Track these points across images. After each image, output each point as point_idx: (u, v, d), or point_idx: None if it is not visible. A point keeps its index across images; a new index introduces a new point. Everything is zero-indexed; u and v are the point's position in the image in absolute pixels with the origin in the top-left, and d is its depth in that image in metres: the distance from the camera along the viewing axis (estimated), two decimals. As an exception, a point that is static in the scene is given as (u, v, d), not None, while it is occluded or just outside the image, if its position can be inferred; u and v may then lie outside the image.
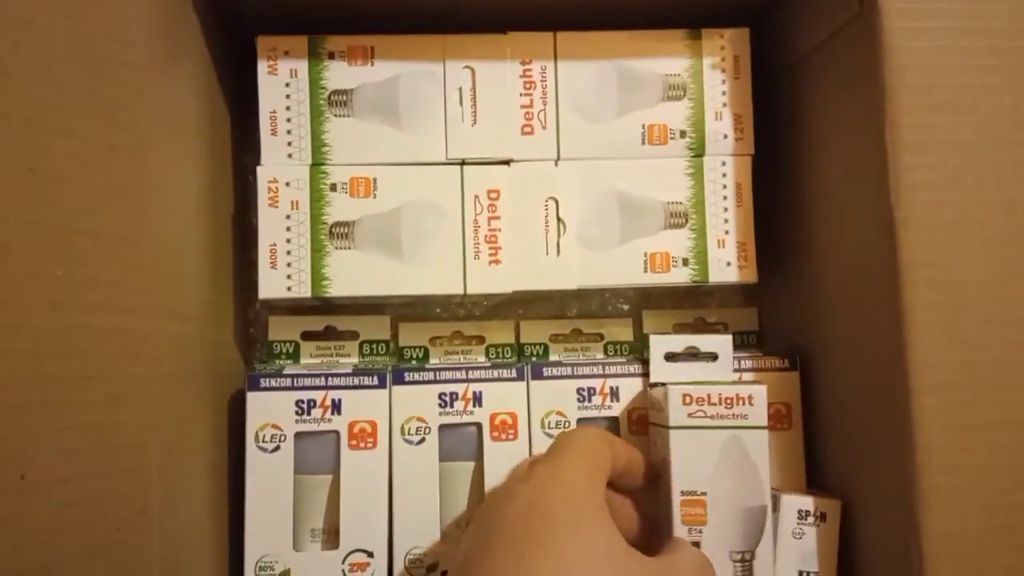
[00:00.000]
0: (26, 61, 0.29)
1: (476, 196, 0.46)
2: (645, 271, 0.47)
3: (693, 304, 0.55)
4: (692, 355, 0.46)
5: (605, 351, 0.54)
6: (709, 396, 0.42)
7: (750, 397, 0.42)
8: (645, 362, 0.47)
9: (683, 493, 0.42)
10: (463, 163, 0.46)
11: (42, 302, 0.29)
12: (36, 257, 0.28)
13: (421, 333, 0.52)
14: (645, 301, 0.55)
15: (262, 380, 0.45)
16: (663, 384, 0.43)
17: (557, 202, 0.47)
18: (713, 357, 0.46)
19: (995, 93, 0.38)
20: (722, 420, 0.42)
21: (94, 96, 0.32)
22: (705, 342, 0.46)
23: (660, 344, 0.46)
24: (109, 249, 0.32)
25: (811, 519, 0.43)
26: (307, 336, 0.51)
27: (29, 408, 0.28)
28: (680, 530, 0.41)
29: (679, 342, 0.46)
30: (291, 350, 0.51)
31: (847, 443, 0.44)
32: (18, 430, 0.27)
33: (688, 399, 0.42)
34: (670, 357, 0.46)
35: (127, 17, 0.34)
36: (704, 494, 0.41)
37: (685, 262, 0.47)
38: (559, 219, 0.47)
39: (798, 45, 0.48)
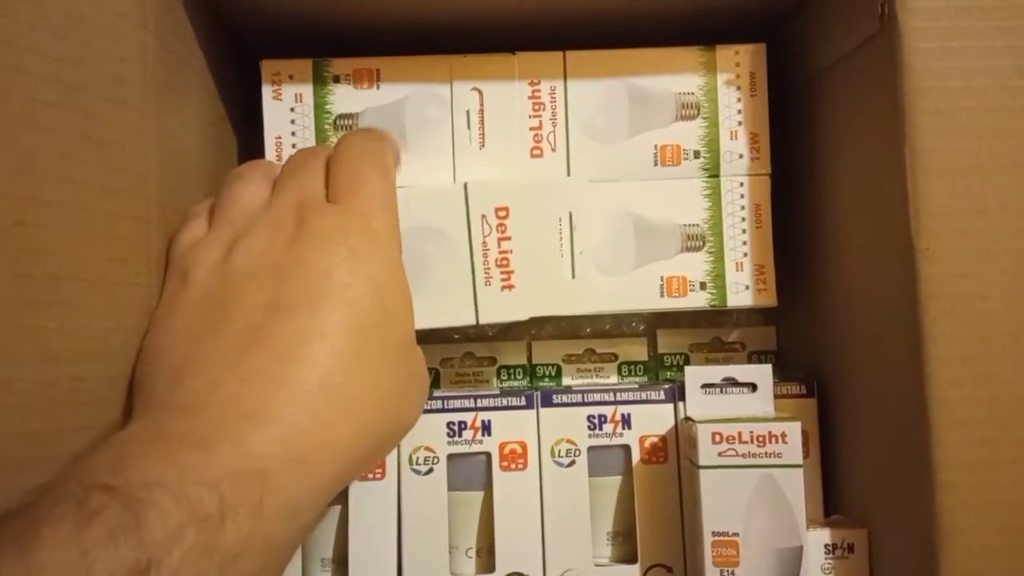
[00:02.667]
0: (13, 109, 0.28)
1: (483, 216, 0.44)
2: (662, 295, 0.46)
3: (710, 323, 0.54)
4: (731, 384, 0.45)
5: (619, 371, 0.53)
6: (740, 434, 0.41)
7: (783, 435, 0.41)
8: (658, 387, 0.46)
9: (714, 533, 0.40)
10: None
11: (34, 357, 0.28)
12: (27, 312, 0.28)
13: (432, 355, 0.52)
14: (660, 320, 0.54)
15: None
16: (694, 421, 0.42)
17: (572, 219, 0.45)
18: (752, 387, 0.45)
19: (1022, 116, 0.36)
20: (754, 459, 0.41)
21: (88, 140, 0.31)
22: (743, 372, 0.45)
23: (696, 376, 0.45)
24: (104, 296, 0.31)
25: (839, 551, 0.42)
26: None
27: (18, 464, 0.27)
28: (712, 571, 0.40)
29: (715, 373, 0.45)
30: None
31: (865, 475, 0.42)
32: (11, 488, 0.27)
33: (718, 438, 0.41)
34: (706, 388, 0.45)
35: (120, 55, 0.33)
36: (736, 534, 0.40)
37: (703, 286, 0.46)
38: (572, 241, 0.45)
39: (815, 62, 0.46)
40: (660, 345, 0.53)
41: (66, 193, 0.30)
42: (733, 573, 0.40)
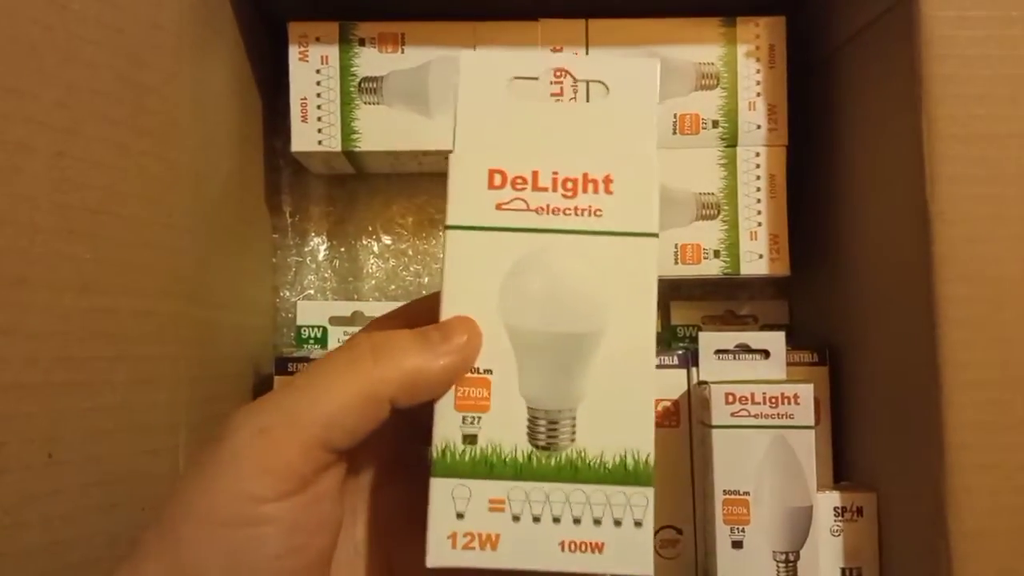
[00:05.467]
0: (58, 44, 0.29)
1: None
2: (676, 263, 0.47)
3: (723, 296, 0.54)
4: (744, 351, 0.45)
5: (633, 342, 0.53)
6: (753, 395, 0.41)
7: (796, 396, 0.41)
8: (672, 353, 0.46)
9: (726, 492, 0.41)
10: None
11: (71, 284, 0.29)
12: (66, 240, 0.29)
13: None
14: (674, 292, 0.54)
15: (290, 364, 0.45)
16: (707, 383, 0.43)
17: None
18: (765, 354, 0.45)
19: (1037, 84, 0.37)
20: (767, 420, 0.41)
21: (125, 80, 0.32)
22: (756, 339, 0.45)
23: (709, 341, 0.45)
24: (138, 233, 0.32)
25: (848, 514, 0.42)
26: (335, 321, 0.51)
27: (57, 388, 0.28)
28: (722, 529, 0.41)
29: (729, 339, 0.45)
30: (319, 335, 0.51)
31: (876, 439, 0.43)
32: (46, 409, 0.28)
33: (731, 398, 0.41)
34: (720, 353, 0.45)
35: (159, 1, 0.34)
36: (747, 493, 0.41)
37: (716, 254, 0.47)
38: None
39: (834, 33, 0.47)
40: (673, 317, 0.54)
41: (103, 130, 0.31)
42: (743, 531, 0.41)
